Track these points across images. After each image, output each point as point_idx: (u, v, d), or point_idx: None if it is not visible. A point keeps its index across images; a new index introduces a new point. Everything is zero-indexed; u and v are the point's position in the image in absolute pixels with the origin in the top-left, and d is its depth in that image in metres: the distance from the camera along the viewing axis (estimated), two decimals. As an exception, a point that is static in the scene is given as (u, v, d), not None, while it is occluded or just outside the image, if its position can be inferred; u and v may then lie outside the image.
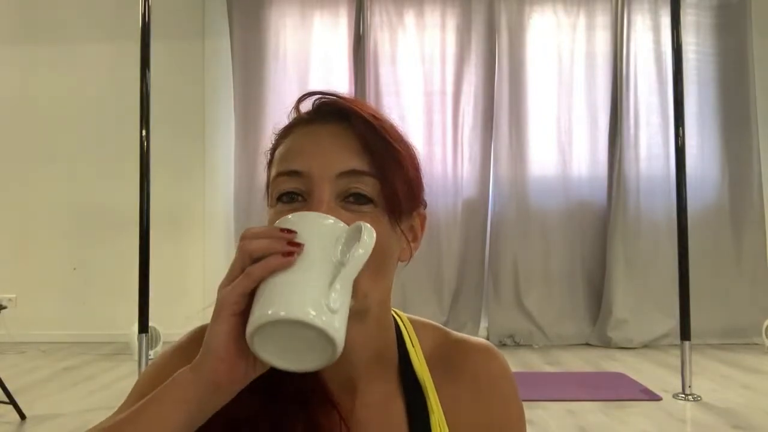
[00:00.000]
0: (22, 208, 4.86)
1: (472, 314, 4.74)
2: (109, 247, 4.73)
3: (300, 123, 0.65)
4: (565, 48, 4.87)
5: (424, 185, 0.68)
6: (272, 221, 0.61)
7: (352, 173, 0.61)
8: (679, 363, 3.23)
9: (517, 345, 4.65)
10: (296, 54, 4.85)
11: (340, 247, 0.56)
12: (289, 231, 0.55)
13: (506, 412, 0.72)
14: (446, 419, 0.68)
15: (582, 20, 4.87)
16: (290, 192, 0.62)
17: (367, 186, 0.61)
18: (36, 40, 4.92)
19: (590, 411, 2.98)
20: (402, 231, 0.64)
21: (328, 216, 0.58)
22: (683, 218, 3.30)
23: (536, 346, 4.63)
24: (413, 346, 0.70)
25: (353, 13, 4.85)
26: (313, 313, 0.52)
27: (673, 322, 4.06)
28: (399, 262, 0.67)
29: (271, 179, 0.64)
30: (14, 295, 4.72)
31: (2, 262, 4.80)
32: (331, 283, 0.54)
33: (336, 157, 0.61)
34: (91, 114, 4.87)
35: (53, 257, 4.82)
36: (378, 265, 0.60)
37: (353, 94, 4.25)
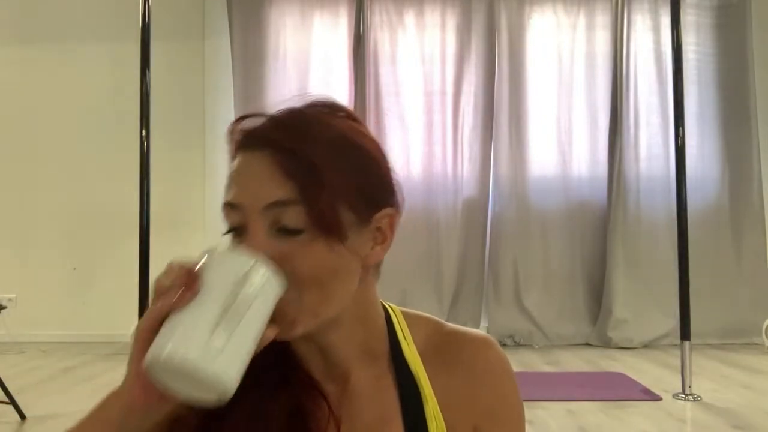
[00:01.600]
0: (22, 208, 4.86)
1: (472, 314, 4.74)
2: (109, 248, 4.73)
3: (237, 149, 0.64)
4: (565, 48, 4.87)
5: (395, 184, 0.67)
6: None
7: (278, 204, 0.60)
8: (679, 363, 3.22)
9: (517, 345, 4.65)
10: (296, 54, 4.85)
11: (239, 287, 0.56)
12: (191, 271, 0.57)
13: (504, 403, 0.72)
14: (441, 409, 0.68)
15: (582, 20, 4.87)
16: (234, 228, 0.63)
17: (294, 215, 0.60)
18: (36, 40, 4.92)
19: (590, 411, 2.98)
20: (352, 244, 0.62)
21: (239, 253, 0.59)
22: (683, 218, 3.30)
23: (536, 346, 4.63)
24: (405, 339, 0.71)
25: (353, 13, 4.85)
26: (193, 354, 0.52)
27: (673, 322, 4.06)
28: (367, 263, 0.66)
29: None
30: (14, 295, 4.72)
31: (2, 262, 4.80)
32: (218, 324, 0.54)
33: (261, 188, 0.60)
34: (91, 114, 4.86)
35: (53, 257, 4.82)
36: (322, 285, 0.61)
37: (353, 94, 4.22)
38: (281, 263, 0.58)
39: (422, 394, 0.68)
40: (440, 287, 4.74)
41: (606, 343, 4.59)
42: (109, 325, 4.60)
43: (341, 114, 0.67)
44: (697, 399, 3.13)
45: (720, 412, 2.94)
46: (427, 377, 0.69)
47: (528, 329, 4.70)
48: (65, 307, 4.78)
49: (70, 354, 4.32)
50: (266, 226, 0.60)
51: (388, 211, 0.66)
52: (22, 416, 2.85)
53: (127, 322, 3.98)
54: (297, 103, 0.66)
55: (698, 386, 3.23)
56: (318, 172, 0.60)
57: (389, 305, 0.74)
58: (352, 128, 0.65)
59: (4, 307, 3.10)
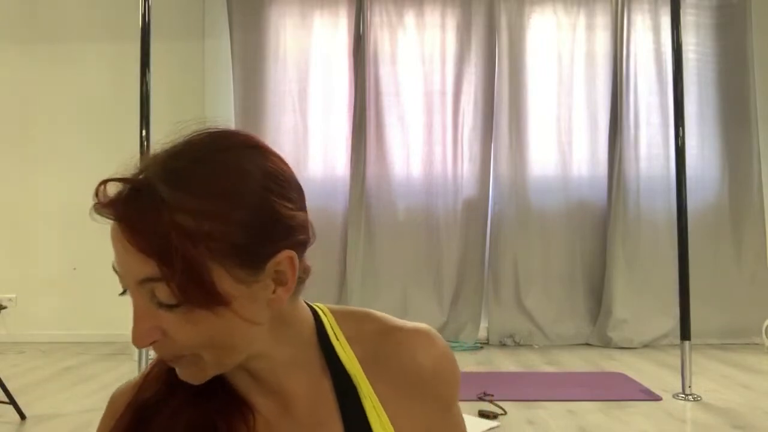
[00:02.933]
0: (22, 208, 4.86)
1: (472, 314, 4.74)
2: (109, 247, 4.67)
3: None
4: (565, 48, 4.86)
5: (293, 219, 0.63)
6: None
7: (145, 281, 0.58)
8: (679, 363, 3.23)
9: (517, 345, 4.65)
10: (296, 54, 4.85)
11: None
12: None
13: (450, 392, 0.72)
14: (390, 417, 0.68)
15: (582, 20, 4.87)
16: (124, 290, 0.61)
17: (164, 290, 0.57)
18: (36, 39, 4.92)
19: (590, 411, 2.98)
20: (239, 304, 0.59)
21: None
22: (683, 218, 3.29)
23: (536, 346, 4.63)
24: (338, 340, 0.70)
25: (353, 13, 4.85)
26: None
27: (673, 322, 4.06)
28: (261, 312, 0.62)
29: None
30: (14, 295, 4.72)
31: (2, 262, 4.80)
32: None
33: (129, 263, 0.58)
34: (91, 114, 4.86)
35: (53, 257, 4.82)
36: (215, 346, 0.60)
37: (353, 94, 4.21)
38: (167, 334, 0.59)
39: (360, 392, 0.68)
40: (440, 287, 4.74)
41: (606, 343, 4.59)
42: (109, 325, 4.60)
43: (222, 146, 0.63)
44: (697, 399, 3.13)
45: (720, 412, 2.94)
46: (364, 375, 0.68)
47: (528, 329, 4.70)
48: (65, 307, 4.78)
49: (70, 354, 4.32)
50: (146, 298, 0.59)
51: (285, 254, 0.61)
52: (22, 416, 2.85)
53: (127, 322, 3.98)
54: (167, 146, 0.63)
55: (698, 386, 3.23)
56: (172, 249, 0.56)
57: (318, 306, 0.73)
58: (229, 168, 0.60)
59: (4, 307, 3.11)
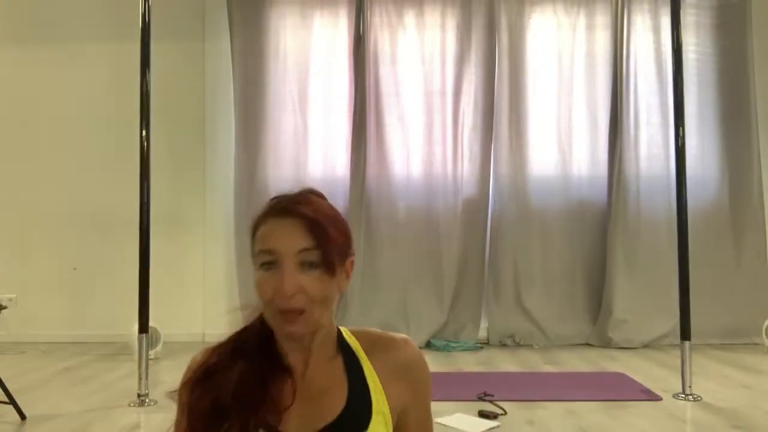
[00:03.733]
0: (22, 208, 4.86)
1: (472, 314, 4.74)
2: (109, 247, 4.73)
3: (270, 215, 0.97)
4: (565, 48, 4.87)
5: (352, 239, 1.01)
6: (259, 283, 0.93)
7: (304, 250, 0.93)
8: (679, 363, 3.23)
9: (518, 345, 4.66)
10: (296, 54, 4.85)
11: None
12: None
13: (420, 384, 1.03)
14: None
15: (582, 20, 4.87)
16: (268, 262, 0.93)
17: (314, 257, 0.93)
18: (36, 40, 4.92)
19: (590, 411, 2.98)
20: (337, 279, 0.95)
21: None
22: (683, 218, 3.30)
23: (536, 346, 4.63)
24: (350, 339, 1.03)
25: (353, 13, 4.85)
26: None
27: (673, 322, 4.06)
28: (339, 292, 0.99)
29: (255, 253, 0.96)
30: (14, 295, 4.72)
31: (2, 262, 4.80)
32: None
33: (294, 240, 0.93)
34: (91, 114, 4.86)
35: (53, 257, 4.82)
36: (323, 302, 0.94)
37: (353, 94, 4.27)
38: (303, 289, 0.91)
39: (361, 364, 1.00)
40: (440, 287, 4.73)
41: (606, 343, 4.59)
42: (109, 325, 4.61)
43: (321, 196, 1.04)
44: (697, 399, 3.13)
45: (720, 412, 2.94)
46: (367, 359, 1.00)
47: (528, 329, 4.71)
48: (65, 307, 4.78)
49: (70, 354, 4.32)
50: (297, 264, 0.92)
51: (351, 258, 1.00)
52: (22, 416, 2.85)
53: (127, 322, 3.99)
54: (295, 189, 1.02)
55: (698, 386, 3.23)
56: (327, 232, 0.94)
57: (339, 327, 1.05)
58: (330, 205, 1.02)
59: (5, 307, 3.11)
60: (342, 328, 1.05)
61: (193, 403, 0.95)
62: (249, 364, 0.96)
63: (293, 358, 0.98)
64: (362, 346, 1.02)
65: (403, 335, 1.06)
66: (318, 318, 0.94)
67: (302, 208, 0.96)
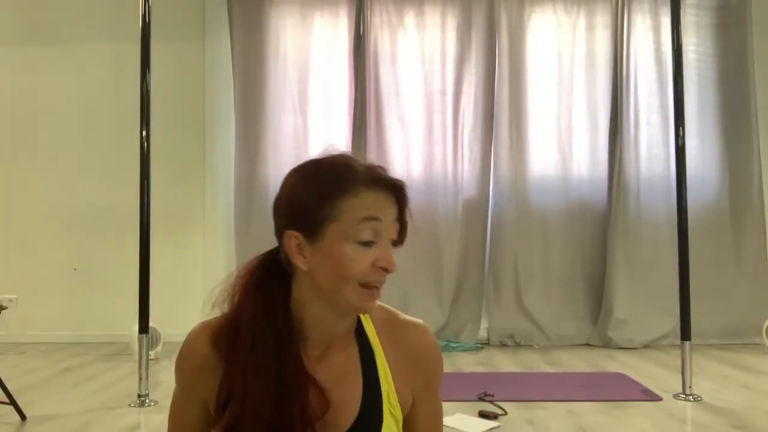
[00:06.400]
0: (23, 208, 4.86)
1: (472, 314, 4.74)
2: (109, 248, 4.73)
3: (367, 183, 0.93)
4: (565, 48, 4.86)
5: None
6: (352, 256, 0.90)
7: (397, 220, 0.94)
8: (679, 363, 3.23)
9: (518, 345, 4.66)
10: (296, 54, 4.85)
11: None
12: None
13: (434, 375, 1.03)
14: (391, 375, 0.98)
15: (582, 20, 4.87)
16: (367, 242, 0.91)
17: (398, 233, 0.95)
18: (36, 40, 4.92)
19: (590, 411, 2.98)
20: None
21: None
22: (683, 218, 3.29)
23: (536, 347, 4.63)
24: (365, 318, 1.01)
25: (353, 13, 4.85)
26: None
27: (674, 323, 4.06)
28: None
29: (346, 220, 0.90)
30: (14, 296, 4.72)
31: (2, 262, 4.80)
32: None
33: (393, 209, 0.94)
34: (91, 114, 4.86)
35: (53, 257, 4.82)
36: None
37: (353, 94, 4.28)
38: (391, 264, 0.92)
39: (375, 356, 0.98)
40: (440, 287, 4.73)
41: (606, 344, 4.59)
42: (109, 325, 4.61)
43: None
44: (697, 399, 3.13)
45: (720, 413, 2.94)
46: (380, 346, 0.99)
47: (528, 329, 4.70)
48: (65, 307, 4.78)
49: (70, 354, 4.32)
50: (389, 239, 0.93)
51: None
52: (23, 416, 2.85)
53: (127, 322, 3.99)
54: (332, 152, 0.98)
55: (698, 386, 3.23)
56: (406, 208, 0.95)
57: None
58: None
59: (5, 308, 3.10)
60: None
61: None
62: (287, 390, 0.91)
63: (313, 351, 0.96)
64: (376, 328, 1.01)
65: (419, 321, 1.04)
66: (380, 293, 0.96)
67: (398, 181, 0.95)
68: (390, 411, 0.96)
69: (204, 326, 0.99)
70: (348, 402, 0.95)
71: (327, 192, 0.91)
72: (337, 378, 0.95)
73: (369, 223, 0.90)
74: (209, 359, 0.96)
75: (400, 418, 0.98)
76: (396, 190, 0.94)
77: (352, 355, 0.98)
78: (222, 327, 0.96)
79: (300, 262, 0.93)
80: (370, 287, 0.91)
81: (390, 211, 0.93)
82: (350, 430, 0.94)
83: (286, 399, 0.90)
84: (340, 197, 0.90)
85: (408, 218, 0.95)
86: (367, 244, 0.90)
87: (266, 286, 0.96)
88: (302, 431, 0.90)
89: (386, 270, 0.91)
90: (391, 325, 1.02)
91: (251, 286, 0.96)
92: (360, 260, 0.90)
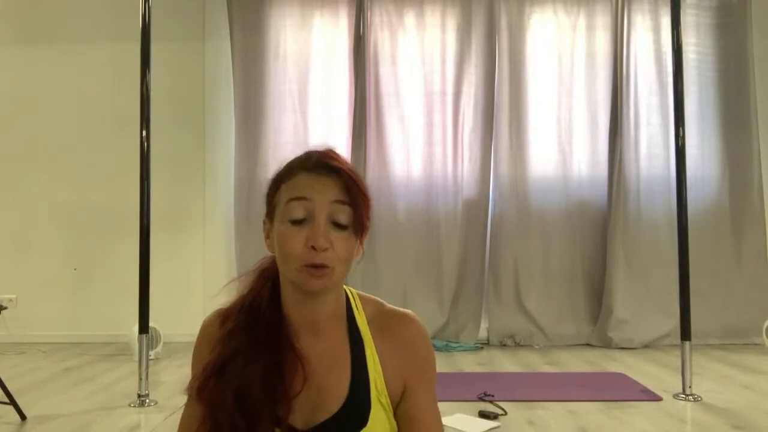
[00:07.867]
0: (23, 209, 4.86)
1: (472, 314, 4.74)
2: (109, 248, 4.73)
3: (302, 168, 0.97)
4: (565, 48, 4.87)
5: (371, 209, 1.01)
6: (285, 236, 0.94)
7: (338, 202, 0.95)
8: (679, 363, 3.23)
9: (518, 345, 4.66)
10: (296, 54, 4.85)
11: None
12: None
13: (425, 363, 1.05)
14: (381, 364, 1.01)
15: (582, 20, 4.87)
16: (298, 220, 0.94)
17: (345, 214, 0.95)
18: (36, 40, 4.92)
19: (590, 411, 2.98)
20: (360, 242, 0.99)
21: None
22: (683, 218, 3.29)
23: (536, 347, 4.63)
24: (357, 310, 1.05)
25: (353, 13, 4.85)
26: None
27: (674, 323, 4.06)
28: (356, 257, 1.01)
29: (282, 203, 0.96)
30: (14, 296, 4.72)
31: (2, 262, 4.80)
32: None
33: (330, 191, 0.95)
34: (91, 114, 4.87)
35: (53, 257, 4.82)
36: (345, 262, 0.96)
37: (353, 94, 4.28)
38: (332, 246, 0.93)
39: (365, 345, 1.02)
40: (440, 287, 4.73)
41: (606, 344, 4.59)
42: (109, 325, 4.61)
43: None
44: (697, 399, 3.13)
45: (720, 413, 2.94)
46: (370, 336, 1.02)
47: (528, 329, 4.70)
48: (65, 308, 4.78)
49: (70, 354, 4.32)
50: (325, 218, 0.94)
51: (368, 228, 1.00)
52: (23, 417, 2.85)
53: (127, 322, 3.99)
54: (319, 148, 1.00)
55: (698, 386, 3.23)
56: (360, 190, 0.96)
57: (348, 288, 1.07)
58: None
59: (5, 308, 3.10)
60: (350, 292, 1.07)
61: (214, 397, 0.95)
62: (265, 354, 0.95)
63: (303, 336, 0.99)
64: (367, 317, 1.04)
65: (407, 311, 1.07)
66: (338, 278, 0.96)
67: (338, 164, 0.97)
68: (378, 398, 0.99)
69: (217, 311, 1.06)
70: (336, 387, 0.98)
71: (278, 179, 0.99)
72: (326, 365, 0.99)
73: (298, 203, 0.94)
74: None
75: (389, 405, 1.00)
76: (337, 173, 0.96)
77: (342, 344, 1.01)
78: (231, 309, 1.03)
79: (267, 246, 1.02)
80: (312, 267, 0.93)
81: (325, 193, 0.95)
82: (337, 414, 0.97)
83: (267, 369, 0.94)
84: (284, 182, 0.98)
85: (360, 201, 0.96)
86: (297, 222, 0.94)
87: (269, 272, 1.03)
88: (272, 406, 0.93)
89: (314, 248, 0.92)
90: (379, 315, 1.05)
91: (258, 271, 1.05)
92: (292, 238, 0.93)
